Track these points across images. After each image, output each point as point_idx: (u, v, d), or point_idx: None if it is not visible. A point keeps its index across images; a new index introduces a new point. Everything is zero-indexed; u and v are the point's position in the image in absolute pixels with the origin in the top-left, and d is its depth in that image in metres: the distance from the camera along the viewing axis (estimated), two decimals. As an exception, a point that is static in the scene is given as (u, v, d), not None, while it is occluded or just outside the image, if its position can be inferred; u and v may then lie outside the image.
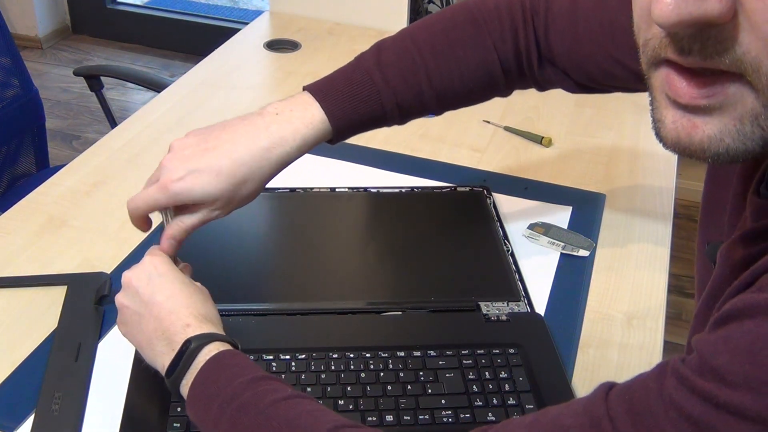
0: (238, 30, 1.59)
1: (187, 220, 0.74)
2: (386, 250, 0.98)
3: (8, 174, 1.56)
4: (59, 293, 0.89)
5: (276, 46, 1.52)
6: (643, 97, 1.44)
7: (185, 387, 0.65)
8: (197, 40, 3.17)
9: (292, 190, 1.06)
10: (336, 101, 0.76)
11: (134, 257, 0.95)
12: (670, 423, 0.43)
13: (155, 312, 0.68)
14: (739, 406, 0.41)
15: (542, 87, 0.86)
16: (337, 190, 1.06)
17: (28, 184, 1.48)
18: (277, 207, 1.04)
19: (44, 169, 1.64)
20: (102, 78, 1.73)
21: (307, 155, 1.16)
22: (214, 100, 1.31)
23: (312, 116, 0.75)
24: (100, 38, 3.36)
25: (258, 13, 1.69)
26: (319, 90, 0.76)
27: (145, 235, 0.98)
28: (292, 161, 0.76)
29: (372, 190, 1.07)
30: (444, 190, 1.08)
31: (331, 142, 0.79)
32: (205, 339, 0.65)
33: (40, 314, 0.86)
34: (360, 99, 0.77)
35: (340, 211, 1.04)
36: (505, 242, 0.99)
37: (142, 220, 0.77)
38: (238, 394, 0.60)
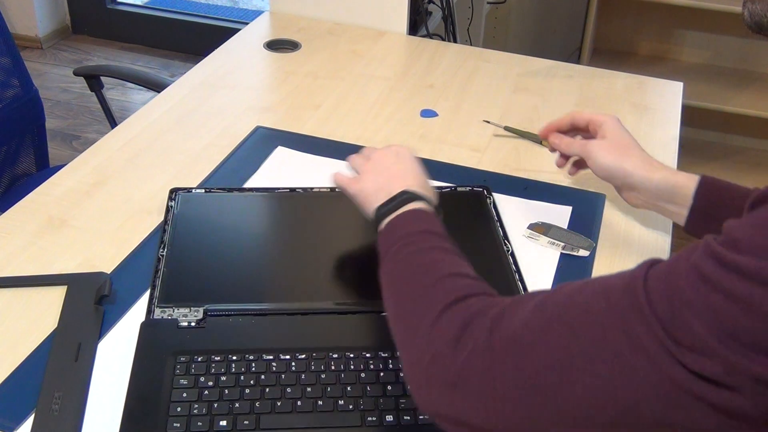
0: (238, 30, 1.59)
1: None
2: None
3: (8, 174, 1.56)
4: (59, 293, 0.89)
5: (276, 46, 1.52)
6: (643, 97, 1.44)
7: (384, 223, 0.79)
8: (197, 40, 3.17)
9: (292, 190, 1.06)
10: None
11: (134, 257, 0.95)
12: (688, 282, 0.51)
13: (391, 173, 0.85)
14: (743, 268, 0.48)
15: None
16: (337, 189, 1.06)
17: (28, 184, 1.48)
18: (277, 207, 1.05)
19: (44, 169, 1.64)
20: (102, 78, 1.73)
21: (306, 155, 1.16)
22: (214, 100, 1.31)
23: None
24: (100, 38, 3.36)
25: (258, 13, 1.69)
26: None
27: (144, 235, 0.99)
28: None
29: None
30: (444, 190, 1.08)
31: None
32: (416, 196, 0.80)
33: (40, 314, 0.86)
34: None
35: (339, 211, 1.04)
36: (505, 242, 0.99)
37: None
38: (411, 236, 0.75)
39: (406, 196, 0.80)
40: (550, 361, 0.55)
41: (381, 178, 0.85)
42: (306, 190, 1.06)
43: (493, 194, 1.07)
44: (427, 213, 0.79)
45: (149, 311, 0.85)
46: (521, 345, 0.57)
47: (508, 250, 0.97)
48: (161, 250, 0.93)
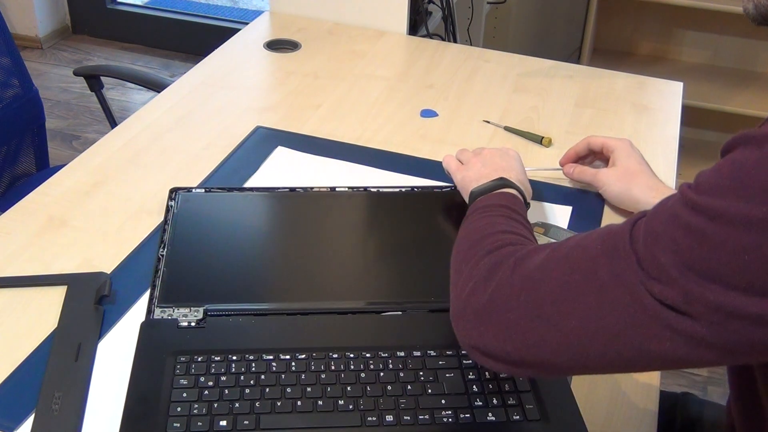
0: (238, 30, 1.59)
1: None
2: (386, 249, 0.98)
3: (8, 174, 1.56)
4: (59, 293, 0.89)
5: (276, 46, 1.52)
6: (643, 97, 1.43)
7: (478, 201, 0.87)
8: (197, 40, 3.17)
9: (292, 189, 1.06)
10: None
11: (134, 257, 0.95)
12: (660, 221, 0.57)
13: (495, 166, 0.95)
14: (700, 205, 0.54)
15: None
16: (337, 189, 1.07)
17: (28, 184, 1.48)
18: (277, 207, 1.05)
19: (44, 169, 1.65)
20: (102, 78, 1.73)
21: (306, 155, 1.16)
22: (214, 100, 1.31)
23: None
24: (100, 38, 3.36)
25: (258, 13, 1.69)
26: None
27: (144, 235, 0.99)
28: None
29: (372, 189, 1.07)
30: (444, 190, 1.08)
31: None
32: (510, 184, 0.89)
33: (40, 314, 0.86)
34: None
35: (340, 211, 1.04)
36: None
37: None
38: (491, 207, 0.84)
39: (501, 182, 0.89)
40: (551, 295, 0.62)
41: (486, 169, 0.94)
42: (306, 190, 1.06)
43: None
44: (515, 197, 0.86)
45: (149, 311, 0.85)
46: (532, 280, 0.64)
47: None
48: (161, 250, 0.93)
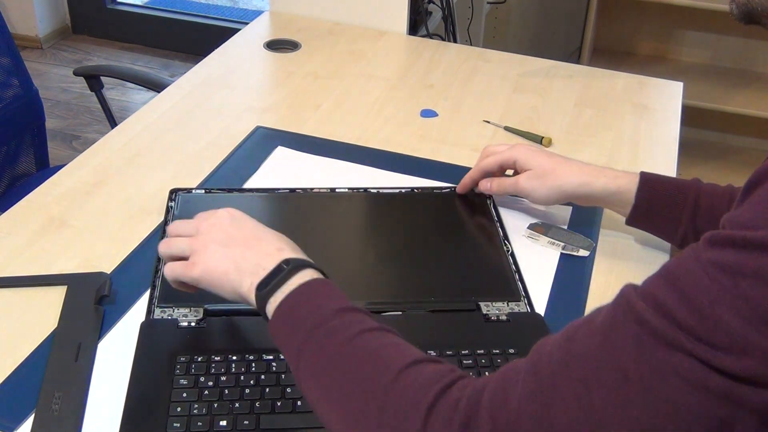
0: (238, 30, 1.59)
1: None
2: (386, 250, 0.98)
3: (8, 174, 1.56)
4: (59, 293, 0.89)
5: (276, 46, 1.52)
6: (643, 97, 1.43)
7: (272, 305, 0.66)
8: (197, 40, 3.17)
9: (292, 190, 1.06)
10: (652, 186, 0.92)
11: (134, 257, 0.95)
12: (708, 277, 0.47)
13: (244, 239, 0.72)
14: (764, 241, 0.45)
15: None
16: (337, 190, 1.06)
17: (28, 184, 1.48)
18: (277, 207, 1.05)
19: (44, 169, 1.64)
20: (102, 78, 1.73)
21: (307, 155, 1.16)
22: (214, 100, 1.31)
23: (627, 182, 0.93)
24: (100, 38, 3.36)
25: (258, 13, 1.69)
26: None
27: (144, 235, 0.99)
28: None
29: (372, 190, 1.07)
30: (444, 191, 1.08)
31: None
32: (300, 263, 0.68)
33: (40, 314, 0.86)
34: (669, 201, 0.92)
35: (340, 211, 1.04)
36: (505, 242, 0.99)
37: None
38: (325, 321, 0.63)
39: (291, 266, 0.67)
40: (573, 425, 0.49)
41: (233, 249, 0.71)
42: (306, 191, 1.06)
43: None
44: (325, 283, 0.68)
45: (149, 311, 0.85)
46: (531, 422, 0.50)
47: (508, 250, 0.97)
48: None
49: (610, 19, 2.65)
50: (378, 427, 0.55)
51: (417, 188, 1.08)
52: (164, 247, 0.77)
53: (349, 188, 1.07)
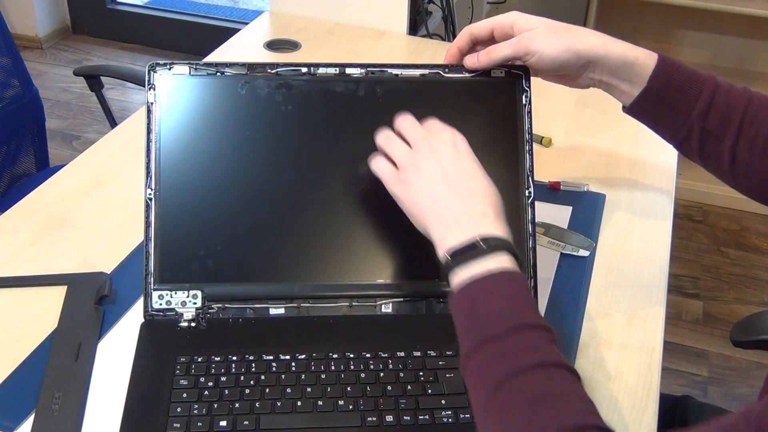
0: (238, 30, 1.59)
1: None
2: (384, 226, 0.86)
3: (8, 174, 1.56)
4: (59, 293, 0.89)
5: (276, 46, 1.52)
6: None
7: (456, 279, 0.65)
8: (197, 40, 3.17)
9: (296, 68, 0.85)
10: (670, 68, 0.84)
11: (134, 257, 0.95)
12: None
13: (455, 184, 0.68)
14: None
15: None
16: (347, 71, 0.86)
17: (28, 184, 1.48)
18: (278, 120, 0.85)
19: (44, 169, 1.65)
20: (102, 78, 1.73)
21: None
22: (214, 100, 1.31)
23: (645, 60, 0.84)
24: (100, 38, 3.36)
25: (258, 13, 1.69)
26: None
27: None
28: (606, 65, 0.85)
29: (391, 71, 0.90)
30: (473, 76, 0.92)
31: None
32: (498, 245, 0.65)
33: (40, 314, 0.86)
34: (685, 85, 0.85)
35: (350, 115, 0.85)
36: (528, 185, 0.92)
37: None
38: (501, 337, 0.60)
39: (487, 246, 0.64)
40: None
41: (441, 189, 0.68)
42: (311, 69, 0.84)
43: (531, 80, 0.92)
44: (512, 279, 0.64)
45: (146, 294, 0.82)
46: None
47: (529, 197, 0.86)
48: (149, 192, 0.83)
49: (610, 19, 2.65)
50: None
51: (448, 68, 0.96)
52: (383, 141, 0.75)
53: (361, 67, 0.88)
